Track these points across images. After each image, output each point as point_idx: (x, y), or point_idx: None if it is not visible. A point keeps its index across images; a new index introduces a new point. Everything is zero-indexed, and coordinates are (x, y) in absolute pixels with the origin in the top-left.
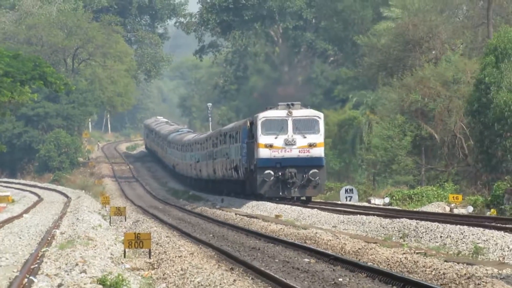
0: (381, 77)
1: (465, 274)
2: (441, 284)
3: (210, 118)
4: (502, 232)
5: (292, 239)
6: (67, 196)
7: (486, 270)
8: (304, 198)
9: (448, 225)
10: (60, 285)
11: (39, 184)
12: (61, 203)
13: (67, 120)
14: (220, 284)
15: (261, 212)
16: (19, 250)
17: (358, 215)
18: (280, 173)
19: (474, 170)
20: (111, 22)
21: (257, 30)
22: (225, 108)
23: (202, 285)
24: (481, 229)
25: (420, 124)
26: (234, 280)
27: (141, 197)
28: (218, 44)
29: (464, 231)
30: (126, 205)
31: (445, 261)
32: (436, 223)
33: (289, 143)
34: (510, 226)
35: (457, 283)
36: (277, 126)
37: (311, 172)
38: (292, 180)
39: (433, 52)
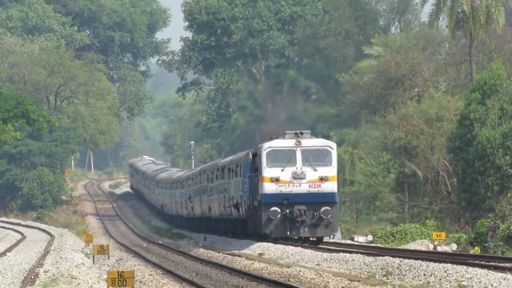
0: (364, 114)
1: None
2: None
3: (193, 156)
4: (486, 270)
5: (275, 277)
6: (50, 234)
7: None
8: (314, 238)
9: (431, 263)
10: None
11: (22, 222)
12: (45, 241)
13: (50, 158)
14: None
15: (244, 250)
16: None
17: (342, 253)
18: (287, 211)
19: (457, 208)
20: (94, 60)
21: (239, 68)
22: (207, 146)
23: None
24: (465, 267)
25: (404, 161)
26: None
27: (124, 235)
28: (200, 82)
29: (448, 269)
30: (110, 243)
31: None
32: (420, 261)
33: (297, 177)
34: (493, 264)
35: None
36: (284, 158)
37: (322, 209)
38: (301, 219)
39: (416, 89)
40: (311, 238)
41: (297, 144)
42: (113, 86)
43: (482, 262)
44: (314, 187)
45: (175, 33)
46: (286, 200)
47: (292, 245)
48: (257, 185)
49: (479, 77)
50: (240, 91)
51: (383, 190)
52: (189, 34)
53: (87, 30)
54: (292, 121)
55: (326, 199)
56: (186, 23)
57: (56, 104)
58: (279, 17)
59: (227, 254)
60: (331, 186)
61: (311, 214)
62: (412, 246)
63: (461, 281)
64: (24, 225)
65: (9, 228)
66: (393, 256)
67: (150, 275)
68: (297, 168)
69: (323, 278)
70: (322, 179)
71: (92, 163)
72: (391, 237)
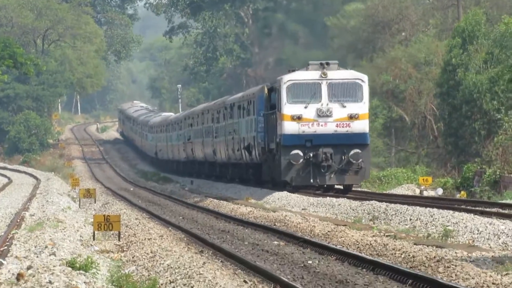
0: (351, 58)
1: (434, 257)
2: (410, 267)
3: (180, 100)
4: (472, 214)
5: (261, 221)
6: (36, 178)
7: (456, 253)
8: (341, 187)
9: (417, 207)
10: (29, 267)
11: (8, 166)
12: (31, 185)
13: (37, 101)
14: (190, 266)
15: (231, 195)
16: None
17: (328, 197)
18: (311, 154)
19: (444, 152)
20: (81, 3)
21: (227, 11)
22: (194, 89)
23: (171, 267)
24: (451, 211)
25: (391, 105)
26: (204, 263)
27: (110, 179)
28: (188, 25)
29: (434, 214)
30: (96, 187)
31: (415, 244)
32: (406, 206)
33: (323, 114)
34: (479, 208)
35: (427, 266)
36: (307, 92)
37: (352, 152)
38: (327, 163)
39: (403, 34)
40: (336, 186)
41: (322, 77)
42: (100, 29)
43: (468, 207)
44: (343, 127)
45: None
46: (309, 142)
47: (277, 190)
48: (274, 124)
49: (457, 25)
50: (227, 34)
51: (370, 135)
52: None
53: None
54: (280, 65)
55: (356, 140)
56: None
57: (43, 47)
58: None
59: (214, 198)
60: (362, 126)
61: (339, 158)
62: (398, 190)
63: (447, 226)
64: (10, 169)
65: None
66: (379, 201)
67: (136, 219)
68: (322, 105)
69: (309, 222)
70: (352, 117)
71: (79, 107)
72: (377, 181)
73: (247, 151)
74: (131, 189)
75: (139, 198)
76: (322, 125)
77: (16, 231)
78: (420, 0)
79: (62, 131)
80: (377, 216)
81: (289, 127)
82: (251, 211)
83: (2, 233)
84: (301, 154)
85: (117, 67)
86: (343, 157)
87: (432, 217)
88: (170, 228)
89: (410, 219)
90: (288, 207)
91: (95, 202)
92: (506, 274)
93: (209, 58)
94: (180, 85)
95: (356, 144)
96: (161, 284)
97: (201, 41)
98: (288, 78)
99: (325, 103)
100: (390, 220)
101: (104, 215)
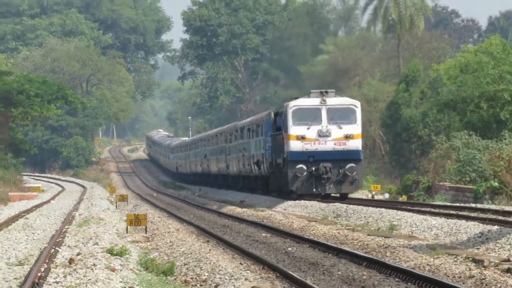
0: None
1: (383, 244)
2: (365, 252)
3: (190, 128)
4: (411, 213)
5: (253, 219)
6: (83, 187)
7: (399, 241)
8: (338, 195)
9: (370, 208)
10: (78, 253)
11: (62, 178)
12: (79, 192)
13: (83, 129)
14: (199, 252)
15: (229, 198)
16: (47, 227)
17: (303, 200)
18: (313, 168)
19: (389, 166)
20: (115, 56)
21: (225, 61)
22: (201, 120)
23: (185, 253)
24: (395, 210)
25: None
26: (210, 250)
27: (139, 187)
28: (195, 72)
29: (382, 212)
30: (128, 193)
31: (368, 235)
32: (361, 206)
33: (323, 135)
34: (417, 208)
35: (377, 251)
36: (309, 116)
37: (347, 166)
38: (327, 176)
39: (357, 78)
40: (332, 194)
41: (322, 103)
42: (130, 75)
43: (408, 207)
44: (339, 145)
45: (176, 35)
46: (311, 157)
47: (265, 195)
48: (281, 143)
49: (403, 72)
50: (225, 78)
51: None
52: (186, 36)
53: (110, 33)
54: (265, 102)
55: (351, 156)
56: (185, 28)
57: (87, 89)
58: (254, 23)
59: (217, 201)
60: (356, 144)
61: (336, 171)
62: (355, 195)
63: (392, 221)
64: (63, 180)
65: (52, 182)
66: (341, 203)
67: (158, 217)
68: (322, 126)
69: (289, 219)
70: (347, 137)
71: (114, 133)
72: None
73: (256, 166)
74: (154, 194)
75: (160, 201)
76: (322, 144)
77: (68, 226)
78: (369, 53)
79: (102, 152)
80: (340, 214)
81: (295, 145)
82: (245, 211)
83: (58, 228)
84: (305, 167)
85: (143, 104)
86: (340, 170)
87: (381, 215)
88: (184, 224)
89: (365, 216)
90: (272, 208)
91: (127, 205)
92: (437, 257)
93: (212, 97)
94: (190, 117)
95: (351, 159)
96: (178, 266)
97: (205, 83)
98: (294, 104)
99: (325, 125)
100: (350, 217)
101: (134, 214)
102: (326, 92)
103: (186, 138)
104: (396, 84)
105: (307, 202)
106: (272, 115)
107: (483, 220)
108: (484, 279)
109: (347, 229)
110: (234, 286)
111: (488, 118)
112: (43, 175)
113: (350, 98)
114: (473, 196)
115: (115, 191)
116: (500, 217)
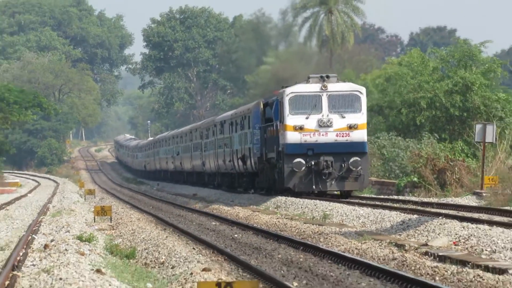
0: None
1: (317, 231)
2: (301, 238)
3: (149, 130)
4: (342, 204)
5: (204, 209)
6: (56, 182)
7: (331, 229)
8: (339, 192)
9: (306, 199)
10: (52, 240)
11: (38, 175)
12: (53, 187)
13: (56, 132)
14: (157, 239)
15: (183, 191)
16: (25, 217)
17: (247, 194)
18: (313, 162)
19: None
20: (84, 68)
21: (179, 72)
22: (158, 124)
23: (145, 239)
24: (328, 202)
25: None
26: (166, 237)
27: (105, 183)
28: (154, 82)
29: (317, 204)
30: (95, 188)
31: (304, 223)
32: (299, 199)
33: (324, 125)
34: (346, 200)
35: (312, 237)
36: (308, 104)
37: (351, 160)
38: (328, 171)
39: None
40: (335, 192)
41: (322, 89)
42: (96, 85)
43: (340, 199)
44: (342, 136)
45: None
46: (311, 150)
47: (214, 188)
48: (272, 135)
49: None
50: (180, 87)
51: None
52: (146, 50)
53: (79, 48)
54: (214, 108)
55: (355, 149)
56: (145, 43)
57: (59, 97)
58: (205, 39)
59: (172, 194)
60: (360, 135)
61: (339, 166)
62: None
63: (325, 211)
64: (39, 176)
65: (29, 178)
66: (281, 196)
67: (122, 208)
68: (323, 116)
69: (235, 210)
70: (351, 127)
71: (83, 135)
72: None
73: (242, 161)
74: (118, 189)
75: (123, 194)
76: (323, 135)
77: (43, 216)
78: (306, 65)
79: (72, 152)
80: (280, 206)
81: (292, 137)
82: (196, 202)
83: (34, 218)
84: (303, 162)
85: (108, 110)
86: (343, 164)
87: (315, 206)
88: (144, 214)
89: (301, 207)
90: (221, 200)
91: (95, 198)
92: (364, 243)
93: (168, 103)
94: (149, 121)
95: (355, 153)
96: (139, 250)
97: (162, 92)
98: (291, 91)
99: (326, 114)
100: (288, 208)
101: (101, 206)
102: (328, 76)
103: (151, 138)
104: None
105: (251, 195)
106: (261, 106)
107: (404, 210)
108: (405, 261)
109: (286, 218)
110: (188, 267)
111: (408, 121)
112: (21, 172)
113: (353, 84)
114: (395, 189)
115: (84, 186)
116: (419, 207)
